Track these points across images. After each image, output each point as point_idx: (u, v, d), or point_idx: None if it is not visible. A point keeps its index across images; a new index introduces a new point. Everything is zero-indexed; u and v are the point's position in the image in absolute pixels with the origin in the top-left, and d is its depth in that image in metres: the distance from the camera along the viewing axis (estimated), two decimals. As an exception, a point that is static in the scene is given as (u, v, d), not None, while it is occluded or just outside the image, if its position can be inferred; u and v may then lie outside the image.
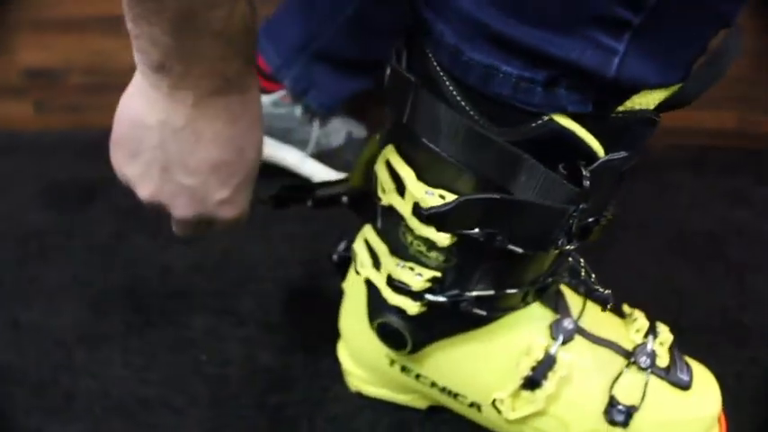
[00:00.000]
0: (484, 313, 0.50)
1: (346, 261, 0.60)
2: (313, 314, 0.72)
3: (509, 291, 0.49)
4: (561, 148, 0.40)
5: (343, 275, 0.60)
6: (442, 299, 0.49)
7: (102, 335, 0.71)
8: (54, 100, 1.11)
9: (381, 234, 0.52)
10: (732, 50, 0.40)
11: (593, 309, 0.54)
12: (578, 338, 0.52)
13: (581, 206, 0.42)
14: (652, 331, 0.54)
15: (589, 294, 0.54)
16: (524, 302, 0.51)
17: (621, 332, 0.53)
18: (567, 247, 0.46)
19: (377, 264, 0.52)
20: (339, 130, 0.91)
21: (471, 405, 0.55)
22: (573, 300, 0.54)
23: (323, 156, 0.91)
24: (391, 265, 0.50)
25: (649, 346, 0.52)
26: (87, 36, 1.05)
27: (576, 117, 0.40)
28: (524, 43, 0.37)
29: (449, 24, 0.40)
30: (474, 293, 0.48)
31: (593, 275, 0.53)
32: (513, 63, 0.39)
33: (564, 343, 0.51)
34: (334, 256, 0.61)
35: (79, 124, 1.11)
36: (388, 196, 0.48)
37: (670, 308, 0.70)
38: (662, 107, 0.41)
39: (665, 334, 0.54)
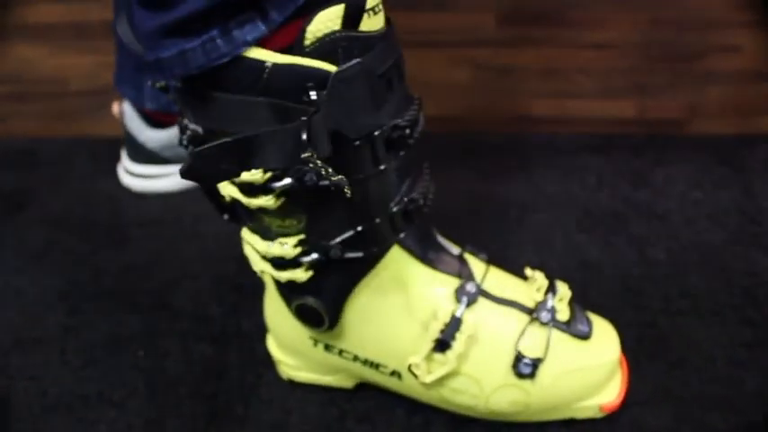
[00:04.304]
0: (360, 254, 0.52)
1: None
2: (246, 306, 0.74)
3: (365, 225, 0.51)
4: (294, 84, 0.43)
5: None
6: (315, 255, 0.52)
7: (38, 338, 0.72)
8: (-24, 110, 1.09)
9: (252, 229, 0.55)
10: None
11: (495, 273, 0.58)
12: (482, 300, 0.55)
13: (322, 113, 0.43)
14: (552, 289, 0.58)
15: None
16: (395, 232, 0.52)
17: (523, 292, 0.57)
18: (382, 165, 0.48)
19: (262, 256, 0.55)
20: None
21: (392, 374, 0.58)
22: (476, 265, 0.58)
23: None
24: (265, 248, 0.53)
25: (549, 303, 0.56)
26: (10, 44, 1.05)
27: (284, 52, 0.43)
28: (172, 20, 0.42)
29: (142, 45, 0.46)
30: (338, 239, 0.51)
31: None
32: (187, 38, 0.43)
33: (468, 305, 0.55)
34: None
35: (3, 133, 1.10)
36: (225, 189, 0.51)
37: (578, 279, 0.74)
38: (350, 20, 0.44)
39: (563, 290, 0.58)
